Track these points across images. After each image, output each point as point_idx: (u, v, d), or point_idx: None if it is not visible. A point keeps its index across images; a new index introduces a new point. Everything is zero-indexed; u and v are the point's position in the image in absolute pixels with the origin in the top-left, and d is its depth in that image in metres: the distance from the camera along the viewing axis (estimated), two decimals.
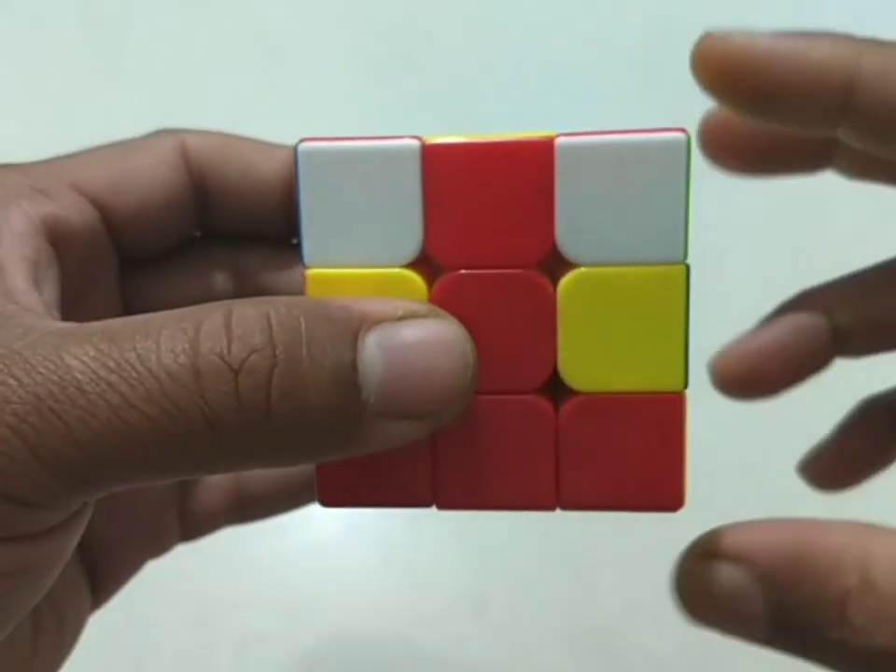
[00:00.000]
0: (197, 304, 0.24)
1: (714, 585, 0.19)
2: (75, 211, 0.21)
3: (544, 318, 0.18)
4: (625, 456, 0.18)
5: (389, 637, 0.41)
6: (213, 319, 0.16)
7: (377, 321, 0.17)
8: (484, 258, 0.18)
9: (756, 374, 0.25)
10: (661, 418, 0.18)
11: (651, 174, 0.17)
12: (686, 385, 0.18)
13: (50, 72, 0.54)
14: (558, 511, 0.19)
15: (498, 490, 0.19)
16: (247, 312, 0.16)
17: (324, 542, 0.43)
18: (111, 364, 0.15)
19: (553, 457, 0.18)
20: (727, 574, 0.19)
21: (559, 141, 0.17)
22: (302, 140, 0.18)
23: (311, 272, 0.18)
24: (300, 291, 0.19)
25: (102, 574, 0.23)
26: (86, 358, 0.16)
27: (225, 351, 0.16)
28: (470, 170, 0.18)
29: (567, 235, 0.18)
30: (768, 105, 0.21)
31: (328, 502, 0.19)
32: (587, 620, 0.41)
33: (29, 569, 0.17)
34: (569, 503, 0.19)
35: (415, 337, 0.17)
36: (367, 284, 0.18)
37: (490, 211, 0.18)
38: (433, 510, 0.19)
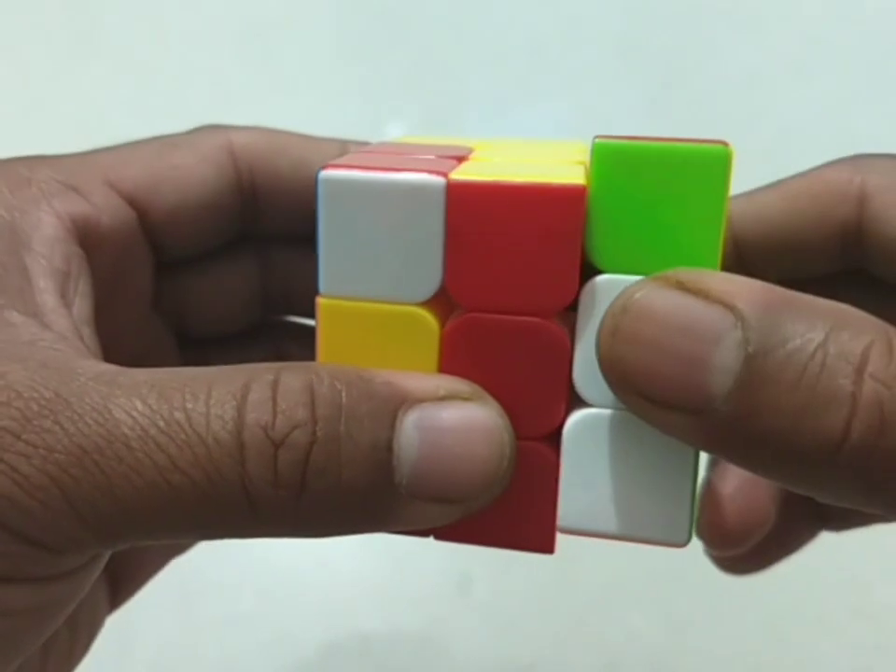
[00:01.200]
0: (229, 309, 0.24)
1: (676, 316, 0.15)
2: (109, 210, 0.21)
3: (557, 369, 0.18)
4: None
5: (373, 617, 0.41)
6: (260, 388, 0.16)
7: (418, 400, 0.16)
8: (503, 302, 0.17)
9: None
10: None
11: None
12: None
13: (29, 50, 0.53)
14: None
15: (497, 528, 0.19)
16: (293, 383, 0.16)
17: None
18: (161, 423, 0.15)
19: (553, 505, 0.18)
20: (695, 307, 0.15)
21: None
22: (325, 167, 0.17)
23: (322, 301, 0.18)
24: None
25: (122, 576, 0.23)
26: (135, 413, 0.15)
27: (269, 425, 0.16)
28: (495, 211, 0.17)
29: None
30: None
31: None
32: (570, 598, 0.41)
33: (46, 607, 0.17)
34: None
35: (454, 420, 0.17)
36: (379, 319, 0.18)
37: (513, 254, 0.17)
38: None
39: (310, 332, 0.24)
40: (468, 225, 0.17)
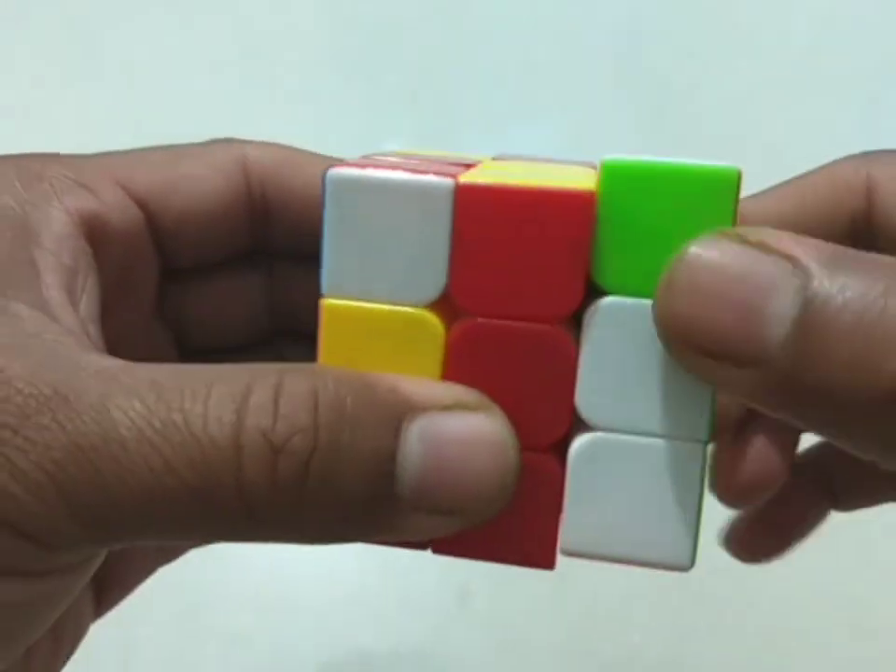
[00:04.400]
0: (233, 321, 0.24)
1: (733, 266, 0.15)
2: (119, 210, 0.20)
3: (563, 376, 0.17)
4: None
5: (372, 631, 0.41)
6: (263, 391, 0.16)
7: (423, 408, 0.16)
8: (508, 307, 0.17)
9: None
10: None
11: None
12: None
13: (30, 70, 0.53)
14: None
15: (497, 542, 0.18)
16: (297, 388, 0.16)
17: None
18: (157, 424, 0.15)
19: (556, 519, 0.18)
20: (752, 257, 0.15)
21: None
22: (332, 166, 0.17)
23: (327, 302, 0.18)
24: None
25: (109, 582, 0.23)
26: (132, 413, 0.15)
27: (269, 429, 0.15)
28: (503, 214, 0.17)
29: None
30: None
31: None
32: (568, 610, 0.41)
33: (36, 604, 0.17)
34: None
35: (459, 431, 0.16)
36: (382, 321, 0.17)
37: (519, 259, 0.17)
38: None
39: (314, 347, 0.24)
40: (475, 228, 0.17)
